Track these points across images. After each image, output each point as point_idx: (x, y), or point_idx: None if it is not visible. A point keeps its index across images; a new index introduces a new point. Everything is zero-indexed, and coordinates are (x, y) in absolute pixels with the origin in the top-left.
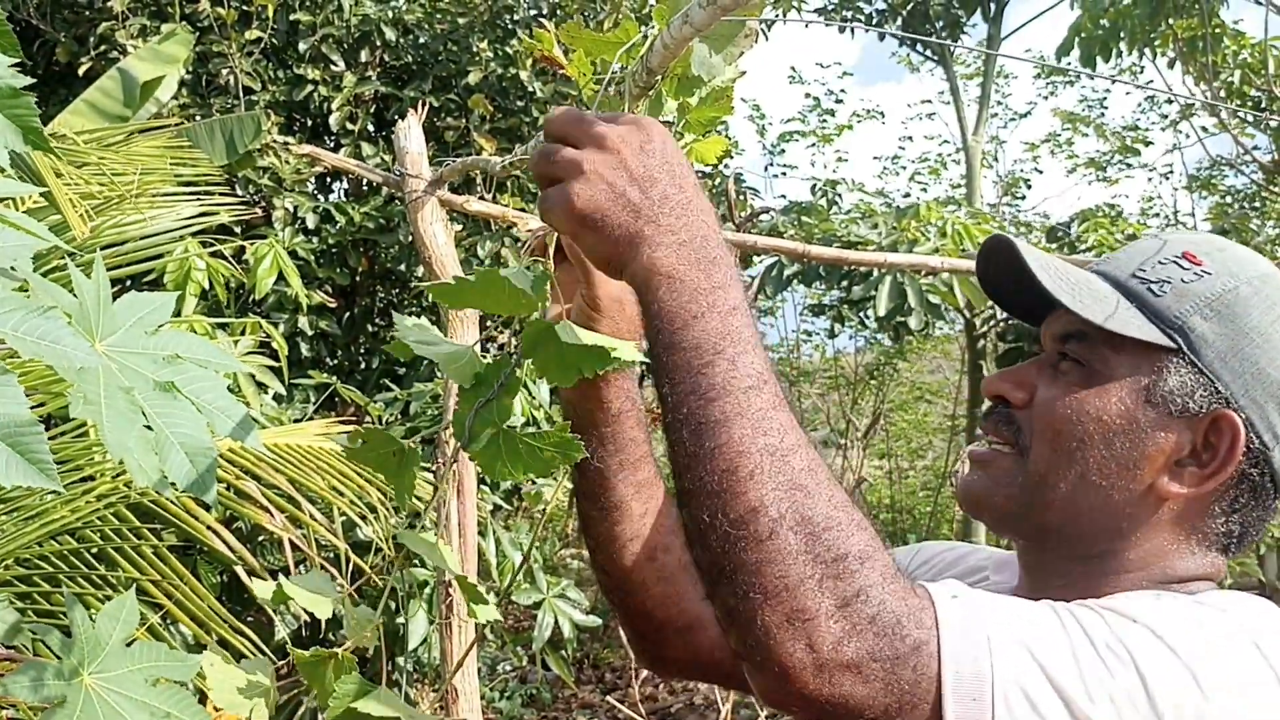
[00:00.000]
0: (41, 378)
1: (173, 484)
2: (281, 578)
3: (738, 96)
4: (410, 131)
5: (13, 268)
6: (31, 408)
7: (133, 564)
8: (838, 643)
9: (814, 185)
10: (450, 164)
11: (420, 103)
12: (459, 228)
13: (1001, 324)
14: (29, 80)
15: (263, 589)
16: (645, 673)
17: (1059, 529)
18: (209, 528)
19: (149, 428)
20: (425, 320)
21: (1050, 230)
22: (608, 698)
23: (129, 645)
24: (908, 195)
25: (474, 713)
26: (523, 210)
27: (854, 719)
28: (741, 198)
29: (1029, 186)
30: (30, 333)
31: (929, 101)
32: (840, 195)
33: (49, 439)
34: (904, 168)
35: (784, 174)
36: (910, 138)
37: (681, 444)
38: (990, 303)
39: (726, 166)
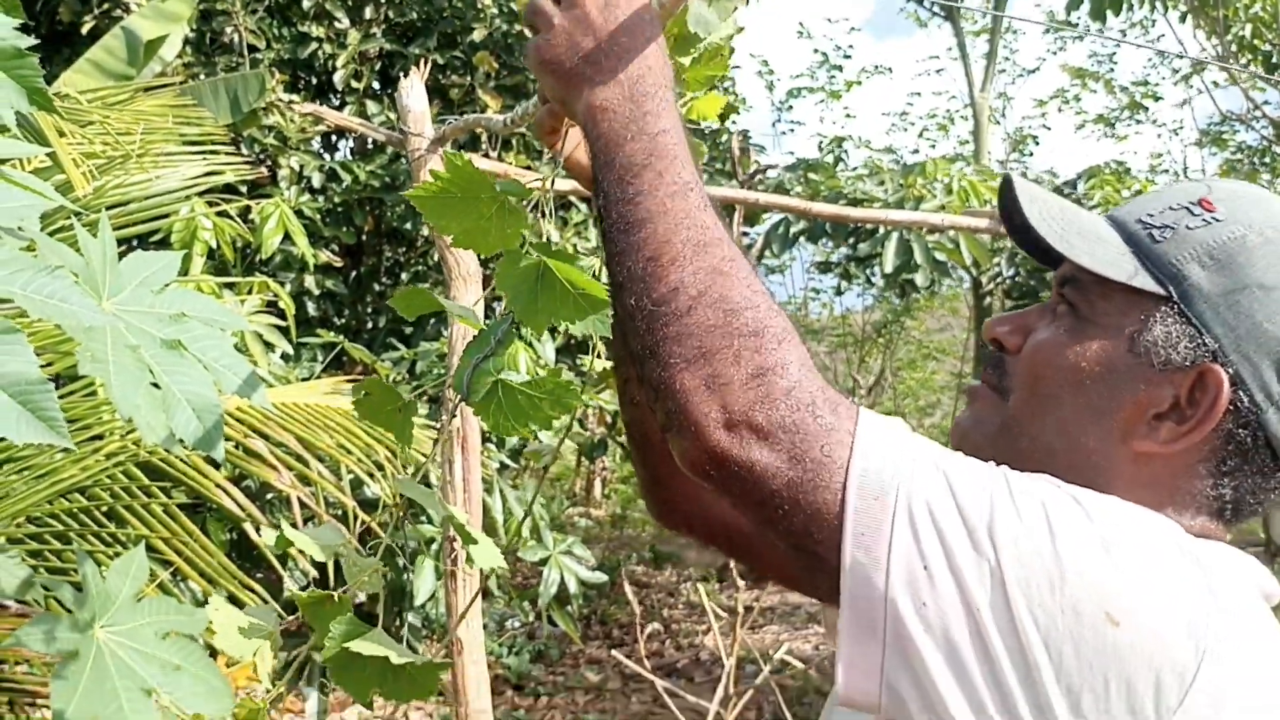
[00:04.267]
0: (49, 337)
1: (180, 441)
2: (285, 525)
3: (746, 52)
4: (413, 90)
5: (20, 228)
6: (40, 367)
7: (142, 522)
8: (749, 406)
9: (820, 142)
10: (454, 122)
11: (423, 60)
12: None
13: (1008, 281)
14: (32, 41)
15: (270, 536)
16: (650, 629)
17: (1030, 468)
18: (218, 486)
19: (156, 385)
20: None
21: (1057, 189)
22: (614, 653)
23: (139, 600)
24: (916, 152)
25: (478, 664)
26: (528, 168)
27: (760, 485)
28: (747, 155)
29: (1037, 143)
30: (38, 292)
31: (937, 58)
32: (847, 152)
33: (58, 398)
34: (912, 124)
35: (792, 130)
36: (919, 94)
37: (613, 244)
38: (996, 260)
39: (734, 123)
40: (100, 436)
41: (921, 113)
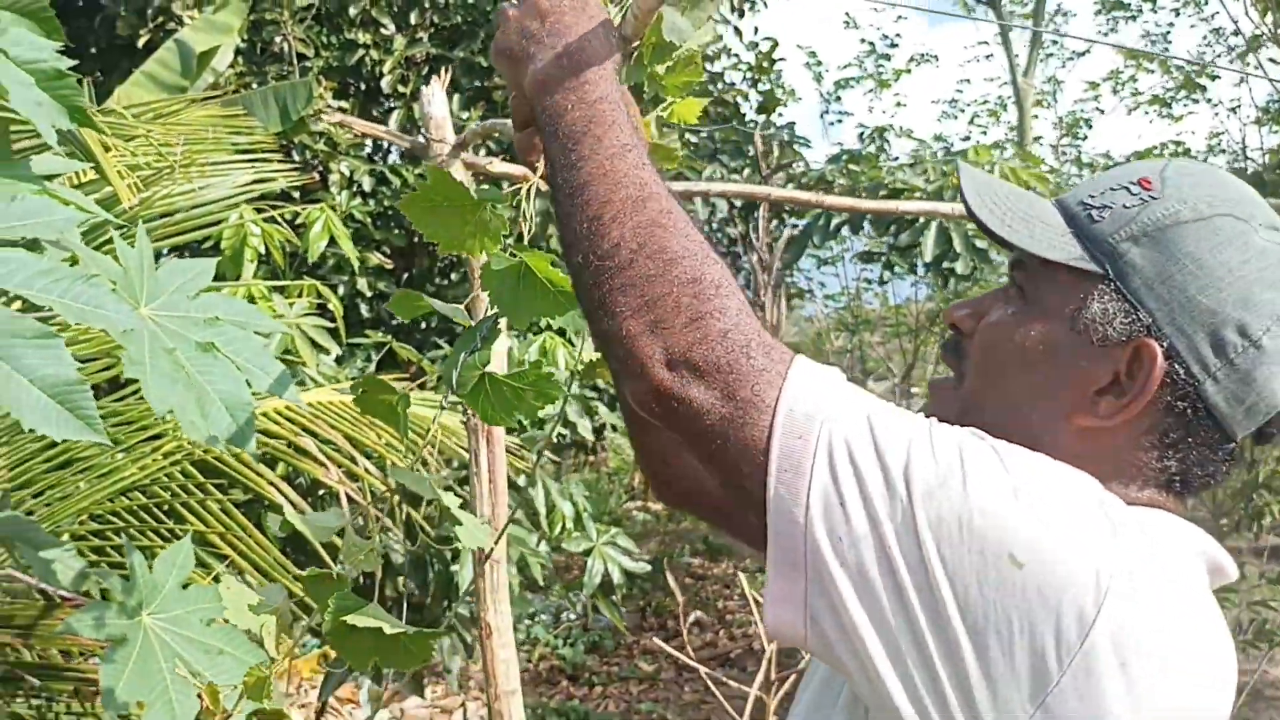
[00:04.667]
0: (106, 343)
1: (214, 437)
2: (288, 509)
3: (793, 44)
4: (434, 96)
5: (60, 240)
6: (98, 371)
7: (199, 518)
8: (689, 347)
9: (862, 133)
10: (473, 127)
11: (447, 67)
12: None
13: None
14: (72, 62)
15: (273, 520)
16: (694, 617)
17: None
18: (270, 483)
19: (193, 386)
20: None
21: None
22: (656, 640)
23: (185, 588)
24: (967, 139)
25: (507, 648)
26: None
27: (696, 421)
28: (770, 149)
29: (1089, 126)
30: (76, 299)
31: (985, 43)
32: (889, 142)
33: (116, 400)
34: (962, 111)
35: (839, 121)
36: (968, 80)
37: (560, 208)
38: None
39: (780, 115)
40: (158, 436)
41: (972, 100)
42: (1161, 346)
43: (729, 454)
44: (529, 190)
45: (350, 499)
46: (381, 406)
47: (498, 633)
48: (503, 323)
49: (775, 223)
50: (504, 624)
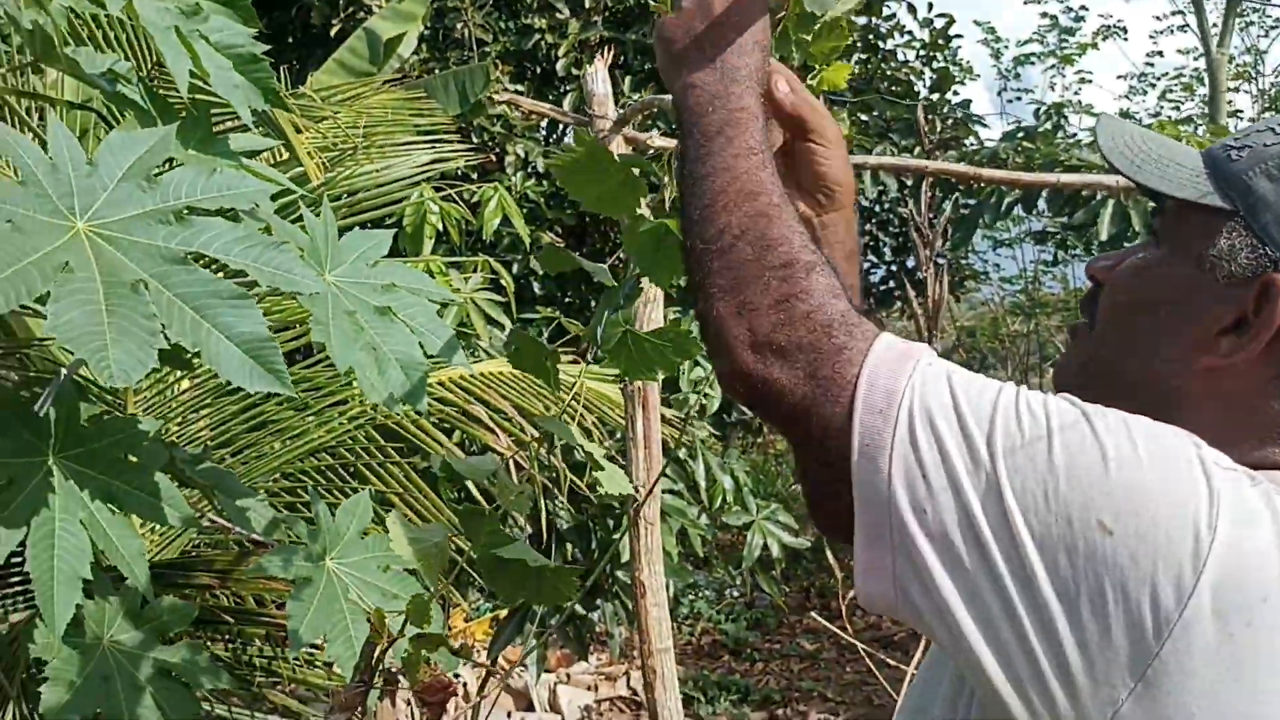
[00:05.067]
0: (294, 314)
1: (391, 395)
2: (445, 454)
3: (969, 20)
4: (597, 75)
5: (255, 211)
6: (290, 340)
7: (380, 480)
8: (773, 329)
9: (1038, 109)
10: (632, 105)
11: (613, 46)
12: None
13: None
14: (266, 47)
15: (435, 460)
16: (852, 595)
17: (1114, 402)
18: (445, 448)
19: (371, 347)
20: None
21: None
22: (815, 615)
23: (364, 537)
24: (1156, 115)
25: (660, 606)
26: None
27: (780, 401)
28: (933, 124)
29: None
30: (267, 264)
31: (1180, 12)
32: (1066, 119)
33: (305, 368)
34: (1152, 86)
35: (1018, 99)
36: (1160, 53)
37: (683, 197)
38: None
39: (955, 94)
40: (343, 402)
41: (1163, 74)
42: None
43: (812, 433)
44: (671, 157)
45: (518, 465)
46: (532, 361)
47: (651, 592)
48: (646, 283)
49: (946, 202)
50: (657, 584)
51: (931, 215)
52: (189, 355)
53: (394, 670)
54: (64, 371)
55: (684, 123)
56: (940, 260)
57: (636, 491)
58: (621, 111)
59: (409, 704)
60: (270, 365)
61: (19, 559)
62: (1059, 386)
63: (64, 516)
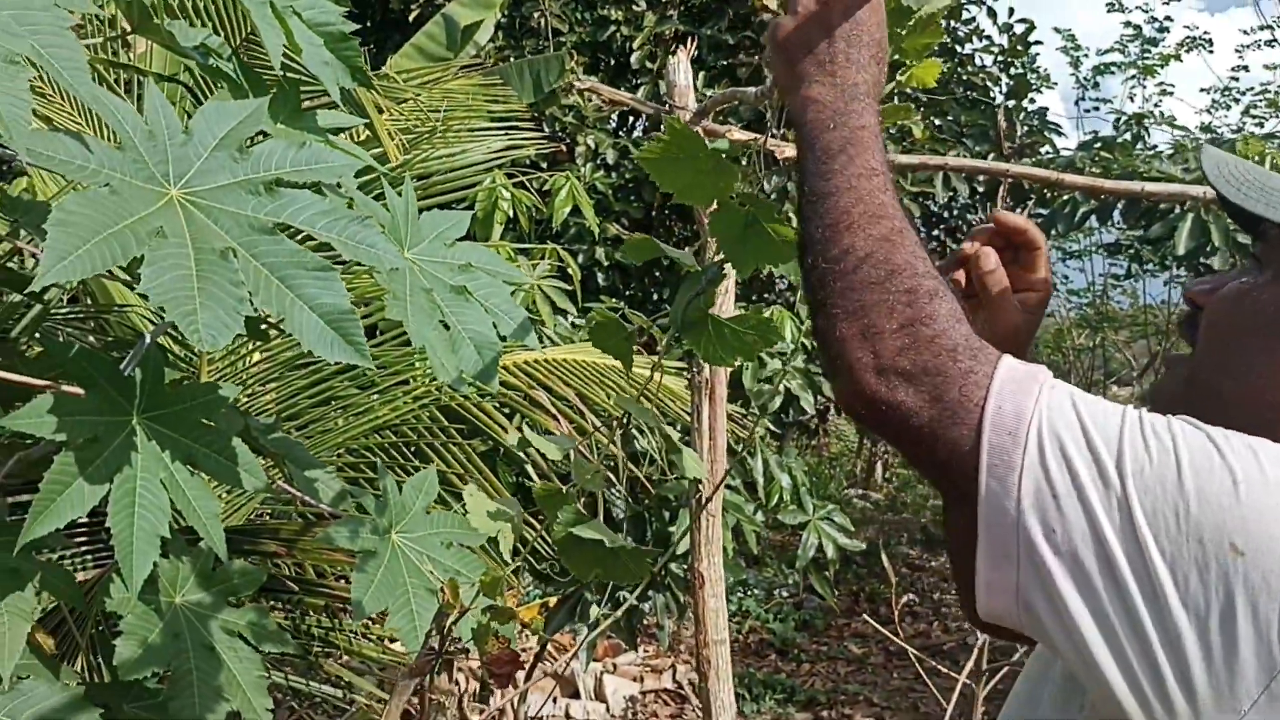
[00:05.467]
0: (368, 292)
1: (463, 375)
2: (525, 427)
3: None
4: (679, 65)
5: (340, 185)
6: (361, 318)
7: (442, 460)
8: (898, 353)
9: (1117, 119)
10: (712, 97)
11: (691, 38)
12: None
13: None
14: (355, 26)
15: (512, 436)
16: (905, 599)
17: (1212, 421)
18: (507, 432)
19: (445, 325)
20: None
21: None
22: (868, 619)
23: (428, 513)
24: (1238, 130)
25: (718, 598)
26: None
27: (904, 424)
28: (1013, 129)
29: None
30: (351, 238)
31: (1268, 27)
32: (1148, 130)
33: (374, 345)
34: (1236, 100)
35: (1096, 109)
36: (1245, 67)
37: (803, 212)
38: None
39: (1032, 101)
40: (407, 382)
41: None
42: None
43: (938, 454)
44: (760, 149)
45: (580, 453)
46: (612, 341)
47: (710, 583)
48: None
49: (1019, 208)
50: (715, 575)
51: None
52: (265, 325)
53: (460, 644)
54: (148, 336)
55: (804, 137)
56: None
57: (701, 483)
58: (701, 103)
59: (464, 675)
60: (351, 337)
61: (87, 519)
62: (1157, 408)
63: (145, 475)
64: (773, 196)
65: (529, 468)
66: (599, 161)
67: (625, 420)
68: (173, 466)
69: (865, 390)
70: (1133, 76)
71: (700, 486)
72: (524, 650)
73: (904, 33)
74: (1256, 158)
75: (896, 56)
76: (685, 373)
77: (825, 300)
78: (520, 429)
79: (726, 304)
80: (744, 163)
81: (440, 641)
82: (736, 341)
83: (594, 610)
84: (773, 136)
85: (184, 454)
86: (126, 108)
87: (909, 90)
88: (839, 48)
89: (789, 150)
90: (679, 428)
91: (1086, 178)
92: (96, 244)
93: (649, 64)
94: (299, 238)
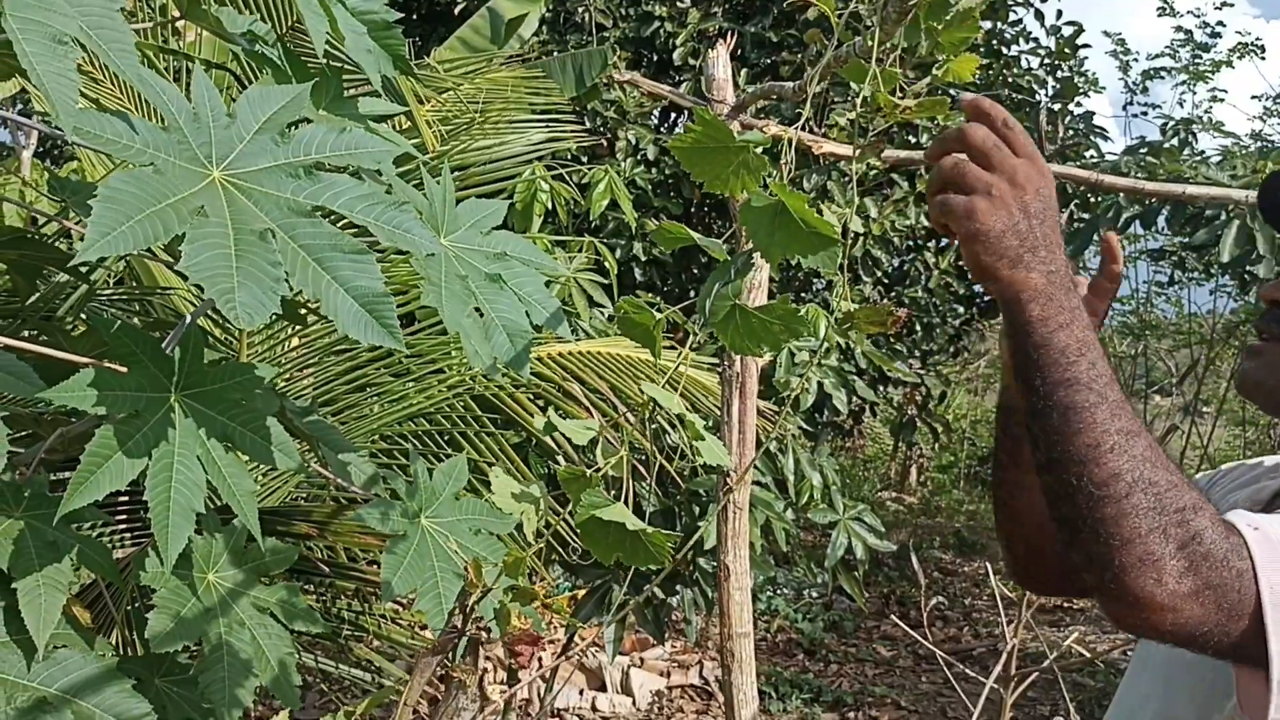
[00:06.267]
0: (404, 281)
1: (495, 360)
2: (551, 412)
3: (1099, 30)
4: (719, 59)
5: (378, 171)
6: (398, 306)
7: (474, 448)
8: (1180, 576)
9: (1164, 124)
10: (750, 92)
11: (731, 33)
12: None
13: None
14: (399, 15)
15: (538, 421)
16: (935, 602)
17: None
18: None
19: (479, 312)
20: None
21: None
22: (896, 619)
23: (458, 499)
24: None
25: (743, 590)
26: (822, 135)
27: (1192, 633)
28: (1055, 130)
29: None
30: (388, 223)
31: None
32: (1195, 135)
33: (410, 334)
34: None
35: (1145, 113)
36: None
37: (1051, 422)
38: None
39: (1079, 105)
40: (442, 370)
41: None
42: None
43: (1225, 643)
44: (790, 141)
45: (610, 445)
46: (639, 328)
47: (735, 576)
48: (758, 258)
49: (1061, 212)
50: (741, 568)
51: None
52: (302, 309)
53: (483, 625)
54: (189, 316)
55: (1029, 332)
56: None
57: (729, 476)
58: (740, 97)
59: (492, 663)
60: (385, 320)
61: (126, 498)
62: (1253, 393)
63: (182, 452)
64: (811, 195)
65: (560, 459)
66: (639, 157)
67: (651, 409)
68: (209, 444)
69: (1154, 618)
70: (1183, 82)
71: (727, 479)
72: (552, 643)
73: (940, 26)
74: None
75: (935, 50)
76: (717, 368)
77: (1097, 525)
78: (548, 416)
79: (760, 296)
80: (779, 156)
81: (463, 620)
82: (763, 331)
83: (619, 597)
84: (811, 132)
85: (220, 432)
86: (172, 89)
87: (945, 86)
88: (1041, 229)
89: (826, 146)
90: (711, 422)
91: (1129, 180)
92: (139, 221)
93: (691, 60)
94: (338, 222)
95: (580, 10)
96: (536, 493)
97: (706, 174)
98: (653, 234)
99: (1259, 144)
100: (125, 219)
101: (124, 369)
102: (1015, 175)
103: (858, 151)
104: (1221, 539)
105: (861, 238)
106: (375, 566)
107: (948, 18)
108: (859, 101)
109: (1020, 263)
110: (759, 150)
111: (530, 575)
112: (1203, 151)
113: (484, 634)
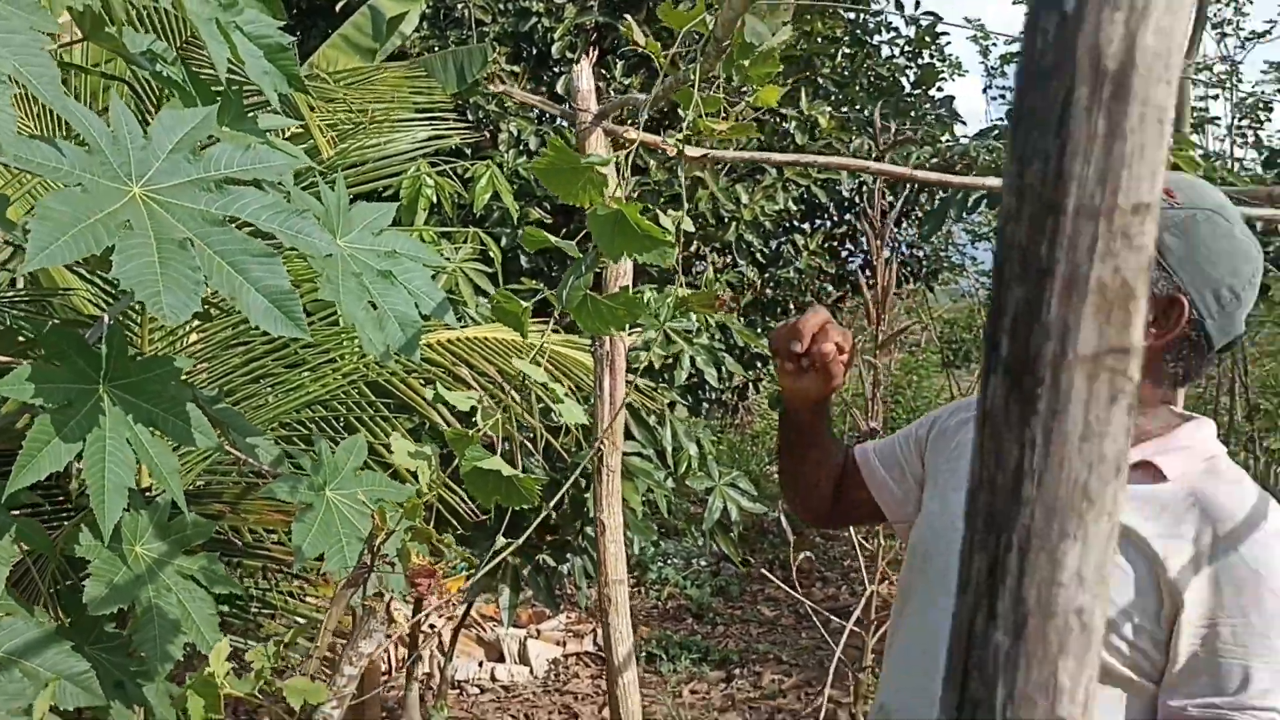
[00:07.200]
0: (301, 276)
1: (389, 348)
2: (438, 385)
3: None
4: (582, 72)
5: (280, 182)
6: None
7: (370, 433)
8: None
9: (1010, 110)
10: (610, 100)
11: (594, 47)
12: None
13: None
14: (292, 38)
15: (428, 393)
16: (802, 558)
17: None
18: (432, 406)
19: (373, 305)
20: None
21: (1268, 157)
22: (764, 571)
23: (358, 473)
24: None
25: (617, 543)
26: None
27: None
28: (888, 124)
29: (1269, 110)
30: (291, 228)
31: None
32: None
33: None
34: None
35: (1003, 97)
36: None
37: None
38: None
39: (940, 90)
40: (335, 360)
41: None
42: (1187, 299)
43: None
44: (628, 157)
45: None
46: (509, 315)
47: (610, 531)
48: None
49: (922, 194)
50: (615, 523)
51: (884, 209)
52: (205, 306)
53: (387, 559)
54: (108, 315)
55: None
56: (897, 250)
57: (601, 442)
58: (603, 106)
59: (389, 610)
60: (292, 314)
61: (57, 487)
62: None
63: (113, 435)
64: (688, 182)
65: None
66: (521, 148)
67: (523, 380)
68: (136, 428)
69: None
70: None
71: (601, 445)
72: (450, 619)
73: (748, 64)
74: None
75: (744, 81)
76: (589, 348)
77: None
78: (435, 388)
79: (626, 281)
80: (622, 165)
81: (371, 558)
82: (610, 315)
83: (513, 575)
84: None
85: (146, 418)
86: (92, 116)
87: (757, 108)
88: None
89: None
90: (589, 398)
91: (934, 174)
92: (74, 235)
93: (569, 54)
94: (245, 228)
95: (460, 6)
96: (429, 451)
97: (560, 189)
98: (522, 237)
99: None
100: (61, 233)
101: (57, 364)
102: None
103: (685, 165)
104: None
105: (735, 223)
106: (283, 545)
107: (753, 56)
108: (685, 125)
109: None
110: (598, 169)
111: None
112: None
113: (390, 567)
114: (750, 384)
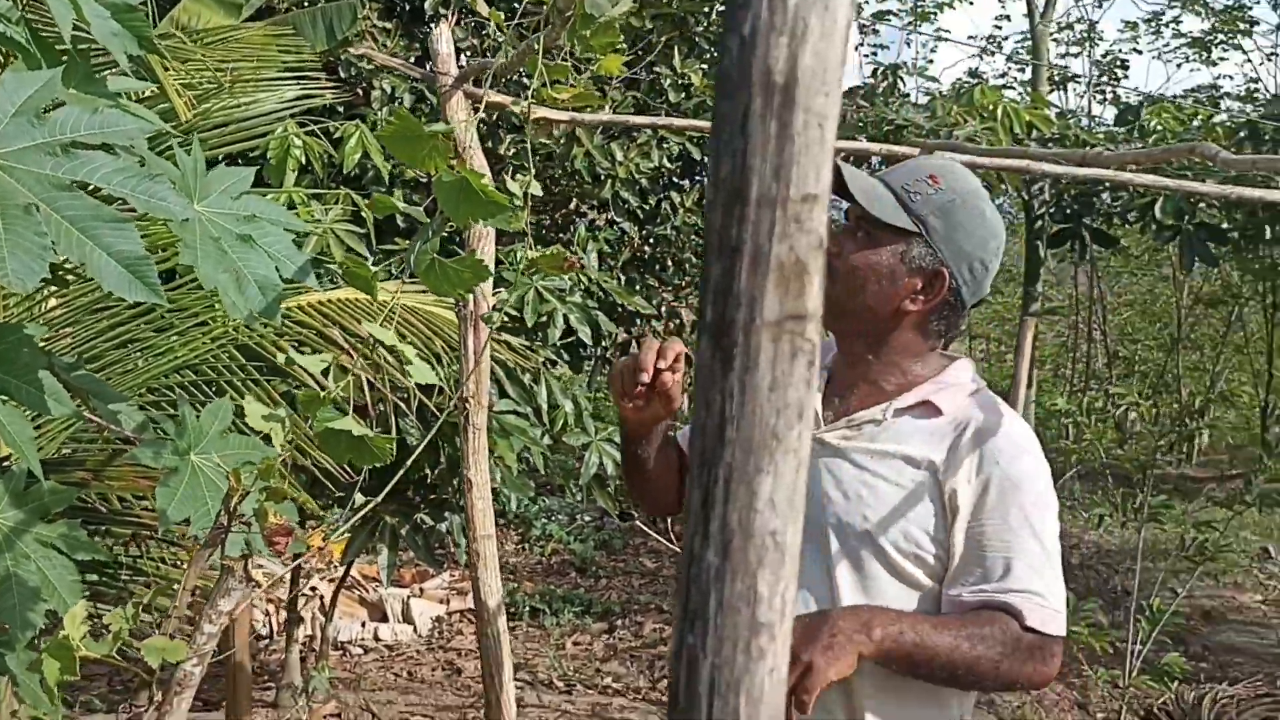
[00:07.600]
0: (164, 239)
1: (251, 311)
2: (291, 349)
3: None
4: (442, 36)
5: (131, 146)
6: (158, 263)
7: (241, 397)
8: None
9: (875, 69)
10: (469, 66)
11: (453, 12)
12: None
13: (1053, 208)
14: None
15: (281, 358)
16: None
17: (853, 329)
18: (303, 368)
19: (234, 270)
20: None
21: (1120, 114)
22: (639, 523)
23: (223, 437)
24: (1004, 75)
25: (484, 499)
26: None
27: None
28: None
29: (1125, 68)
30: (145, 194)
31: None
32: (902, 80)
33: (171, 290)
34: (998, 48)
35: (874, 54)
36: (1008, 16)
37: (943, 678)
38: (1043, 188)
39: None
40: (205, 324)
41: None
42: (948, 271)
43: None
44: (471, 126)
45: (372, 386)
46: (360, 279)
47: (477, 487)
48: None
49: None
50: (482, 480)
51: None
52: (62, 272)
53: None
54: None
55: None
56: None
57: (465, 401)
58: (462, 70)
59: (273, 606)
60: (147, 280)
61: None
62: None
63: None
64: (560, 140)
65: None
66: (395, 105)
67: (372, 343)
68: None
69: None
70: (910, 23)
71: (466, 404)
72: (331, 581)
73: (589, 34)
74: (993, 105)
75: (586, 51)
76: (454, 307)
77: (995, 685)
78: (288, 352)
79: (488, 247)
80: (466, 137)
81: (229, 518)
82: (456, 278)
83: (391, 534)
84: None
85: None
86: None
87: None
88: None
89: (540, 111)
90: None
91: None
92: None
93: (443, 9)
94: (98, 193)
95: None
96: (283, 414)
97: (408, 156)
98: (372, 204)
99: (974, 81)
100: None
101: None
102: None
103: (531, 129)
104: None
105: (610, 180)
106: (151, 511)
107: (594, 27)
108: (530, 92)
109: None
110: (443, 137)
111: (301, 514)
112: (908, 94)
113: (246, 526)
114: (634, 340)
